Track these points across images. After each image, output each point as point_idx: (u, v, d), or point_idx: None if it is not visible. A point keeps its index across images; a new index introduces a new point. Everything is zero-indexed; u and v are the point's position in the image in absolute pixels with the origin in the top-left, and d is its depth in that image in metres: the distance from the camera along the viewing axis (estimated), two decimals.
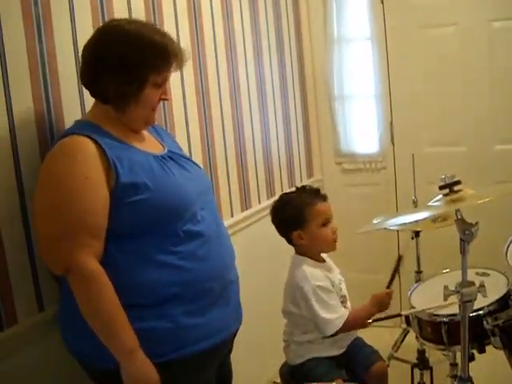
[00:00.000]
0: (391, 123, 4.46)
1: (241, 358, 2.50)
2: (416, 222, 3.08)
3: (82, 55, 2.03)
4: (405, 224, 3.15)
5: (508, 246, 2.83)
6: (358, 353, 2.82)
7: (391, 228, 3.26)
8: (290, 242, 2.83)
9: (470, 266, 2.32)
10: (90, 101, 2.11)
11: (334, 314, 2.64)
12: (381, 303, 2.74)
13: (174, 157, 2.14)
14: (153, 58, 1.98)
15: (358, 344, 2.85)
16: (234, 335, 2.21)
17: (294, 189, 2.93)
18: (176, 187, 2.02)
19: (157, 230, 1.96)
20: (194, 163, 2.25)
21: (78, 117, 2.19)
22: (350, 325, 2.68)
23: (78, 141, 1.91)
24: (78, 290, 1.85)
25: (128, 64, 1.95)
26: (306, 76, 4.53)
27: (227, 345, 2.21)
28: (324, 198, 2.81)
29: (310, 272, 2.71)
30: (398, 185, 4.46)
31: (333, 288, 2.73)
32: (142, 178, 1.93)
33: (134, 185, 1.91)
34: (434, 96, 4.29)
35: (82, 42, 2.04)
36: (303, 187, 2.89)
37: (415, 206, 3.42)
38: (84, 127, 1.97)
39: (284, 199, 2.85)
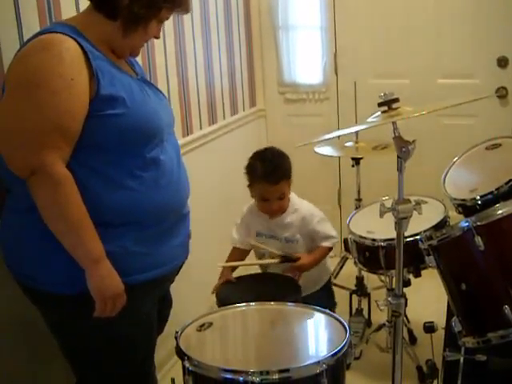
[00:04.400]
0: (335, 54, 4.43)
1: (182, 290, 2.48)
2: (355, 134, 3.12)
3: None
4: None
5: (445, 175, 2.89)
6: None
7: (332, 154, 3.29)
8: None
9: (409, 194, 2.36)
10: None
11: None
12: None
13: (147, 84, 2.10)
14: None
15: None
16: (180, 268, 2.19)
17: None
18: (152, 110, 1.99)
19: (124, 149, 1.90)
20: (162, 93, 2.20)
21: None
22: None
23: (62, 39, 1.81)
24: (43, 192, 1.78)
25: None
26: (250, 5, 4.43)
27: (171, 277, 2.19)
28: None
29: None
30: (341, 116, 4.44)
31: None
32: (121, 92, 1.88)
33: (113, 98, 1.85)
34: (379, 28, 4.27)
35: None
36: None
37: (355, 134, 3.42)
38: (66, 29, 1.86)
39: (274, 150, 3.07)
